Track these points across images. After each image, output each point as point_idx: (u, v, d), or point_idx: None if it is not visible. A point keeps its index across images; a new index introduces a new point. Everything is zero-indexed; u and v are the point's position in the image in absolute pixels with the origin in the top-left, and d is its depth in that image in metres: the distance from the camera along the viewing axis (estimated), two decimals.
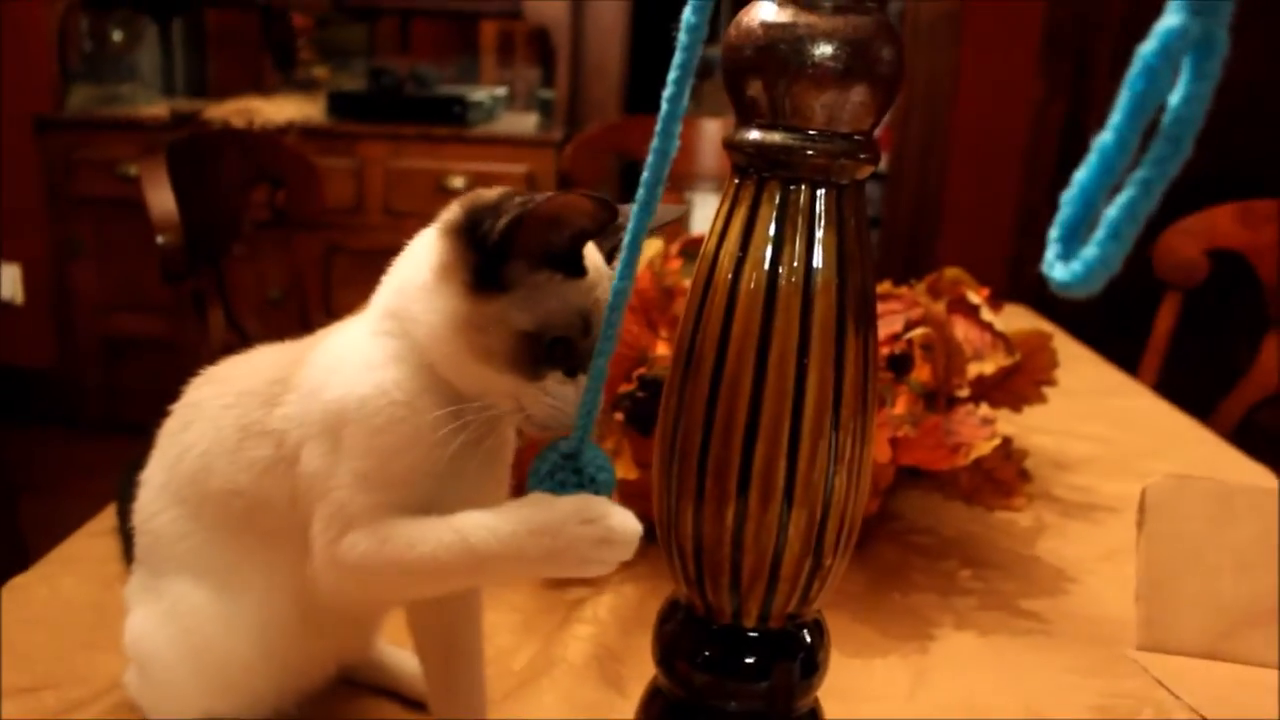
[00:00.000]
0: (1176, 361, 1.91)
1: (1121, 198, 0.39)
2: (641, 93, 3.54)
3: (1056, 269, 0.40)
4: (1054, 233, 0.40)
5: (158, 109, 3.51)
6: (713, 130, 2.55)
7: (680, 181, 2.45)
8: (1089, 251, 0.39)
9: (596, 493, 0.61)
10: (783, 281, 0.56)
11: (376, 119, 3.39)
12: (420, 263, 0.63)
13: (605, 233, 0.63)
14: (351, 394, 0.62)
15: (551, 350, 0.61)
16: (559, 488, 0.61)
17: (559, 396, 0.61)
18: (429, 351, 0.62)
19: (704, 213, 2.99)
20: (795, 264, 0.56)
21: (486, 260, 0.60)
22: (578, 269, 0.62)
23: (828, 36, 0.54)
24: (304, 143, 3.15)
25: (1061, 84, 3.59)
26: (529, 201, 0.58)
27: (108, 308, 3.56)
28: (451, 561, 0.60)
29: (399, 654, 0.84)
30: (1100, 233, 0.39)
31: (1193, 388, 1.80)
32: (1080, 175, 0.40)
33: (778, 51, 0.55)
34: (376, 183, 3.29)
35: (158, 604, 0.72)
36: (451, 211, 0.62)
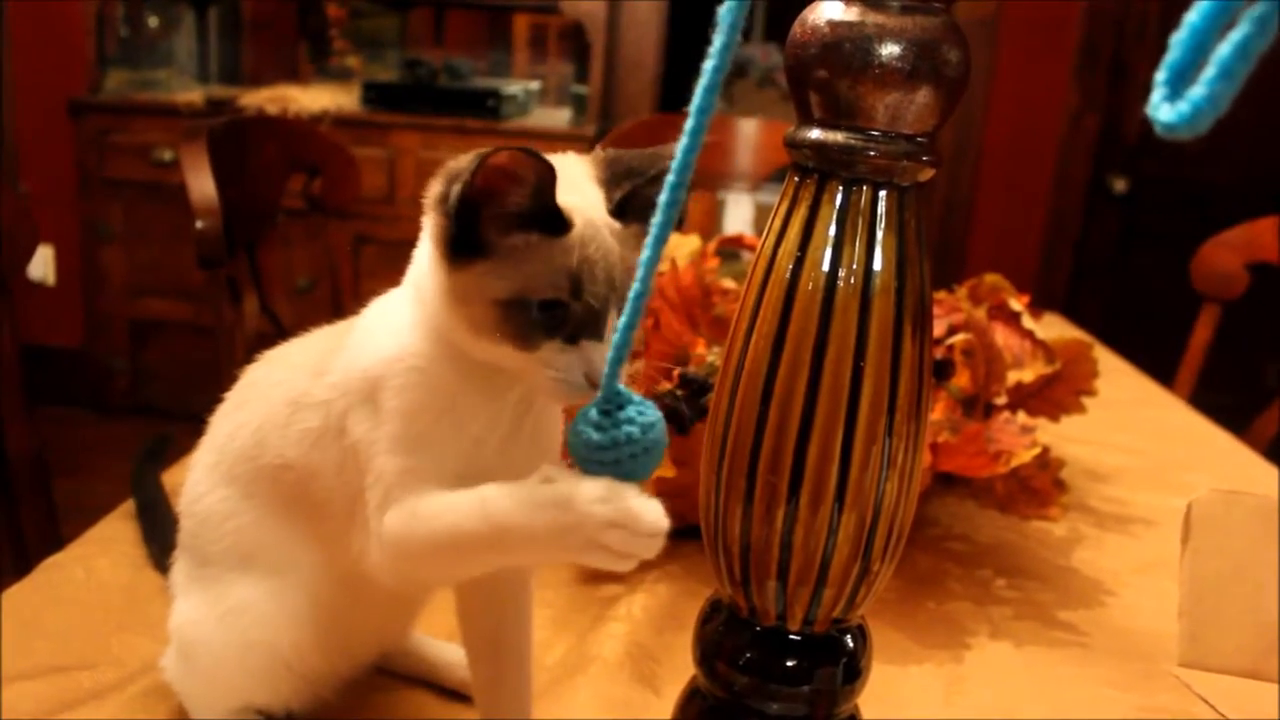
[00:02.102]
0: (1213, 374, 1.90)
1: (1235, 35, 0.37)
2: (677, 90, 3.52)
3: (1162, 111, 0.39)
4: (1160, 75, 0.39)
5: (192, 95, 3.52)
6: (746, 130, 2.54)
7: (712, 181, 2.44)
8: (1197, 91, 0.37)
9: (631, 440, 0.56)
10: (841, 283, 0.56)
11: (410, 110, 3.39)
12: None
13: (611, 181, 0.62)
14: (382, 357, 0.62)
15: (544, 317, 0.59)
16: (591, 440, 0.56)
17: (558, 366, 0.59)
18: (442, 323, 0.62)
19: (736, 212, 2.98)
20: (855, 265, 0.56)
21: (457, 228, 0.58)
22: (555, 226, 0.59)
23: (895, 36, 0.54)
24: (337, 132, 3.16)
25: (1096, 96, 3.56)
26: (473, 166, 0.57)
27: (136, 291, 3.58)
28: (472, 532, 0.58)
29: (434, 643, 0.84)
30: (1210, 71, 0.37)
31: (1228, 401, 1.78)
32: (1191, 17, 0.39)
33: (843, 50, 0.54)
34: (408, 173, 3.30)
35: (205, 592, 0.72)
36: (433, 182, 0.61)
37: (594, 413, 0.56)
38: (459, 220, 0.58)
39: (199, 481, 0.72)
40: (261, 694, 0.73)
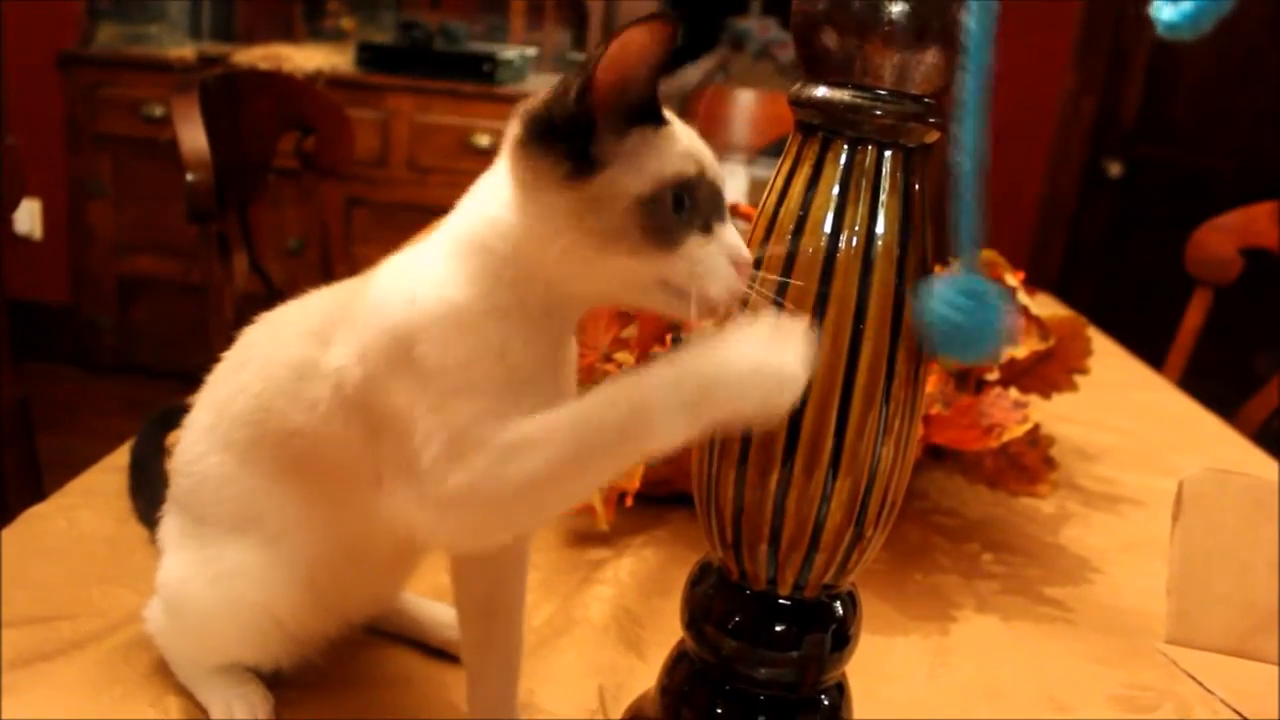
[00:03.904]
0: (1202, 362, 1.90)
1: None
2: (673, 58, 3.49)
3: (1164, 11, 0.38)
4: None
5: (184, 51, 3.48)
6: (742, 101, 2.53)
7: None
8: None
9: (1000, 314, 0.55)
10: (843, 244, 0.55)
11: (405, 72, 3.35)
12: (494, 192, 0.60)
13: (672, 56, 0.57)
14: (415, 314, 0.58)
15: (678, 208, 0.56)
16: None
17: (702, 259, 0.56)
18: (542, 270, 0.58)
19: (731, 184, 2.96)
20: (857, 227, 0.55)
21: (573, 142, 0.55)
22: (659, 116, 0.57)
23: None
24: (331, 92, 3.13)
25: (1094, 79, 3.55)
26: (591, 61, 0.54)
27: (124, 248, 3.55)
28: (594, 436, 0.54)
29: (421, 602, 0.83)
30: None
31: (1217, 389, 1.78)
32: None
33: (852, 8, 0.53)
34: (402, 136, 3.27)
35: (198, 551, 0.71)
36: (515, 126, 0.58)
37: (953, 292, 0.55)
38: (577, 131, 0.55)
39: (196, 442, 0.71)
40: (250, 653, 0.73)
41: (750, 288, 0.57)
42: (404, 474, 0.59)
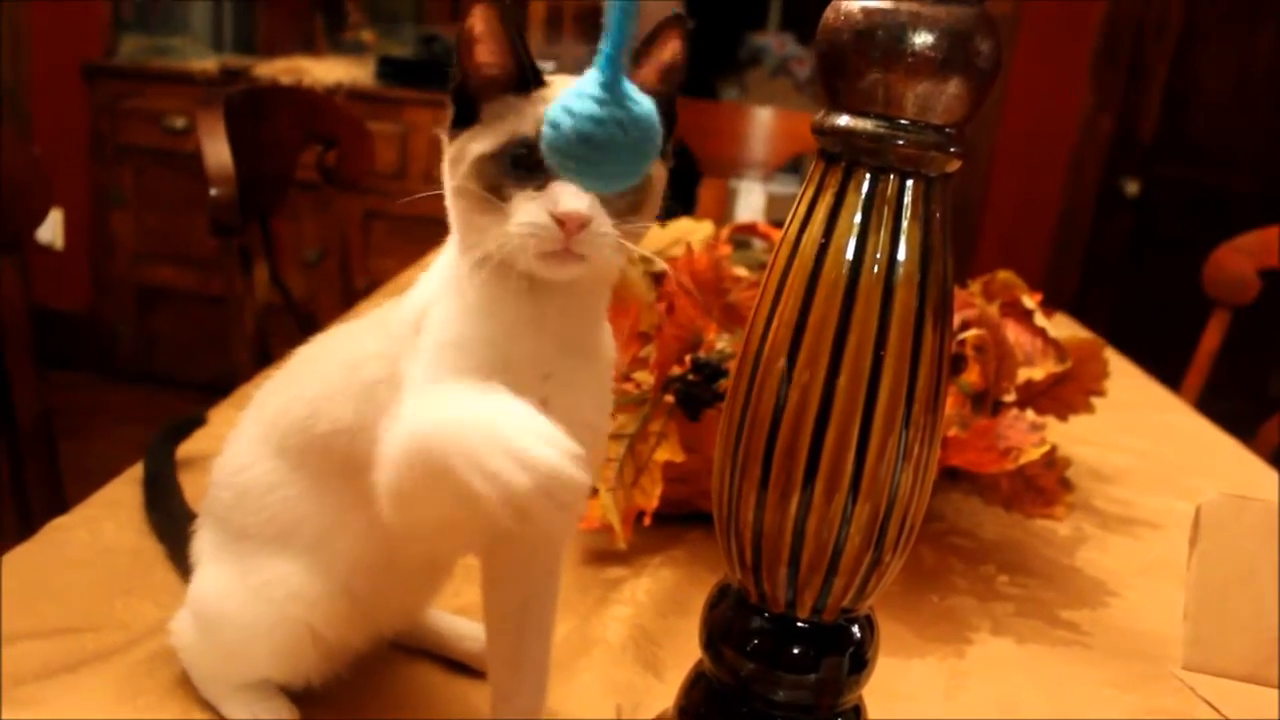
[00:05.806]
0: (1219, 381, 1.90)
1: None
2: (690, 75, 3.51)
3: None
4: None
5: (207, 63, 3.52)
6: (759, 119, 2.54)
7: (724, 168, 2.44)
8: None
9: (637, 119, 0.52)
10: (865, 271, 0.56)
11: (425, 86, 3.38)
12: None
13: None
14: (428, 293, 0.63)
15: (515, 163, 0.59)
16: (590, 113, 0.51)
17: (526, 211, 0.58)
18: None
19: (748, 200, 2.97)
20: (879, 254, 0.56)
21: (462, 105, 0.62)
22: (525, 83, 0.61)
23: (929, 25, 0.53)
24: (351, 105, 3.15)
25: (1112, 96, 3.55)
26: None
27: (144, 257, 3.58)
28: (410, 448, 0.56)
29: (444, 616, 0.84)
30: None
31: (1234, 409, 1.78)
32: None
33: (876, 38, 0.54)
34: (420, 149, 3.29)
35: (235, 565, 0.71)
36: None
37: (594, 87, 0.51)
38: (459, 93, 0.62)
39: (242, 454, 0.71)
40: (284, 669, 0.73)
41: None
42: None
